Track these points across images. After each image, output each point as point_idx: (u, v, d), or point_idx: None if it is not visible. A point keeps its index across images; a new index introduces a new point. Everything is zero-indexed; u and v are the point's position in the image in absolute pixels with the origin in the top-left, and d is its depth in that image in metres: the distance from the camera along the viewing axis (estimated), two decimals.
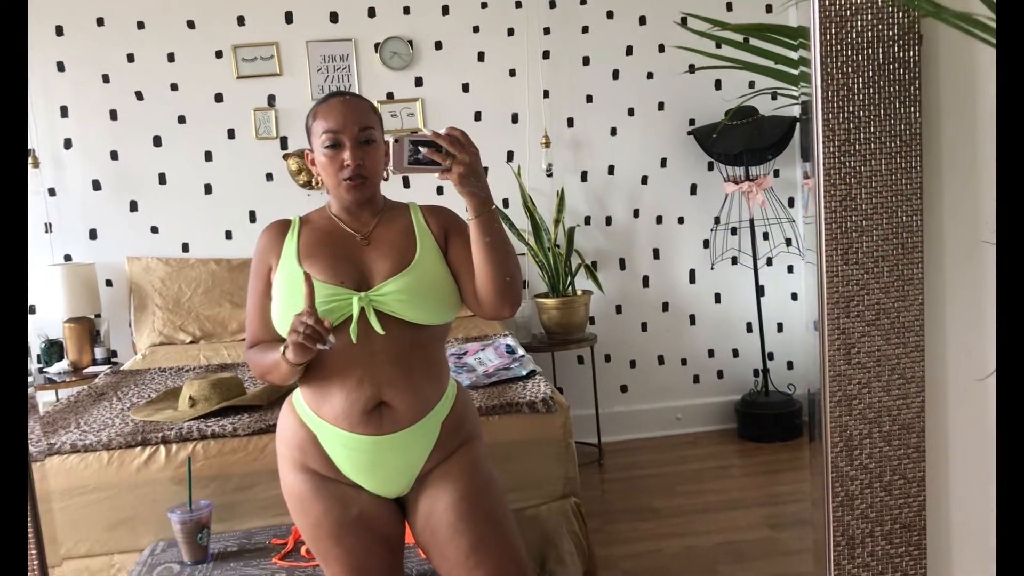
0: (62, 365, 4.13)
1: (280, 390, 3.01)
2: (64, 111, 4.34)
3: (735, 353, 4.78)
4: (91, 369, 4.14)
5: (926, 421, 1.39)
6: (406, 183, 4.40)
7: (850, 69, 1.28)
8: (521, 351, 3.38)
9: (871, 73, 1.29)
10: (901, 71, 1.30)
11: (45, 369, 4.18)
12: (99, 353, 4.23)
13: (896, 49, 1.29)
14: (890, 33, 1.28)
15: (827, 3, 1.24)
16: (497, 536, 1.81)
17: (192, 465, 2.53)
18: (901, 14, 1.27)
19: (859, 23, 1.27)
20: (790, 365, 4.76)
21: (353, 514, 1.80)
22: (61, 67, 4.32)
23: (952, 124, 1.36)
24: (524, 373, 3.06)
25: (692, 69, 4.42)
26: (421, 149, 1.61)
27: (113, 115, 4.38)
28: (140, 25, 4.35)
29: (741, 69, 1.50)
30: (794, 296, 4.76)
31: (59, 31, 4.30)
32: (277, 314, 1.79)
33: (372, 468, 1.80)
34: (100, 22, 4.32)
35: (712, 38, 1.52)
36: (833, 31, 1.27)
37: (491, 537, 1.80)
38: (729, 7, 4.61)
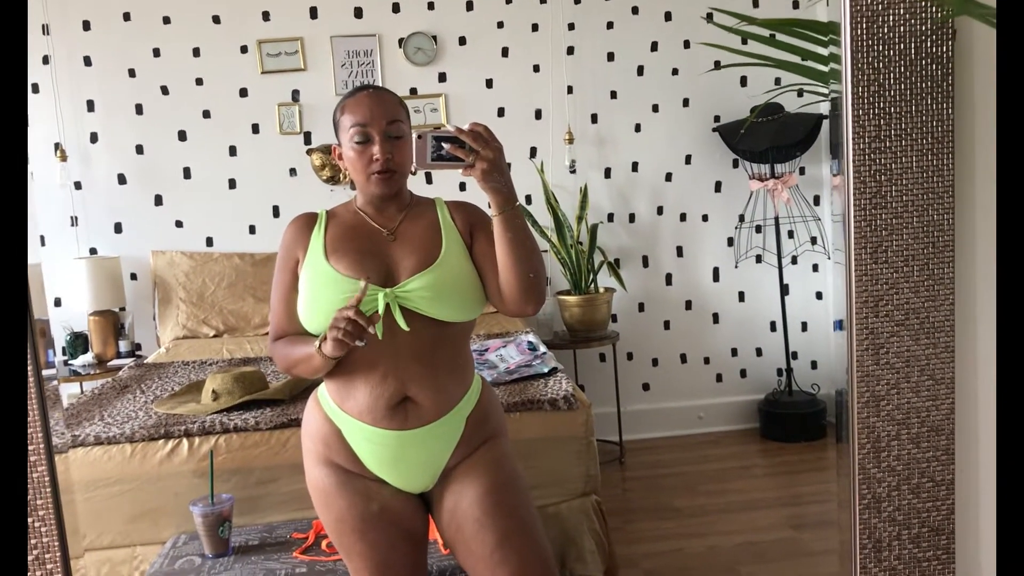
0: (87, 358, 4.17)
1: (303, 384, 3.03)
2: (91, 105, 4.37)
3: (758, 352, 4.74)
4: (115, 362, 4.17)
5: (956, 423, 1.36)
6: (428, 179, 4.40)
7: (881, 65, 1.25)
8: (543, 348, 3.36)
9: (903, 69, 1.26)
10: (934, 67, 1.27)
11: (70, 362, 4.21)
12: (123, 346, 4.26)
13: (929, 44, 1.26)
14: (923, 28, 1.25)
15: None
16: (523, 532, 1.79)
17: (214, 458, 2.53)
18: (934, 8, 1.24)
19: (891, 18, 1.24)
20: (814, 365, 4.72)
21: (376, 509, 1.80)
22: (88, 62, 4.35)
23: (985, 121, 1.33)
24: (546, 370, 3.05)
25: (718, 66, 4.39)
26: (444, 145, 1.60)
27: (139, 109, 4.41)
28: (166, 20, 4.37)
29: (769, 66, 1.47)
30: (819, 295, 4.71)
31: (86, 26, 4.33)
32: (303, 308, 1.79)
33: (396, 463, 1.80)
34: (127, 17, 4.35)
35: (739, 33, 1.50)
36: (864, 26, 1.24)
37: (517, 533, 1.78)
38: (755, 3, 4.57)
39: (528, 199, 4.46)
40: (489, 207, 1.72)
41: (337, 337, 1.63)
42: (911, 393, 1.34)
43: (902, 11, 1.25)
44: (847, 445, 1.35)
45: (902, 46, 1.25)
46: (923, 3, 1.24)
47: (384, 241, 1.81)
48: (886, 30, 1.25)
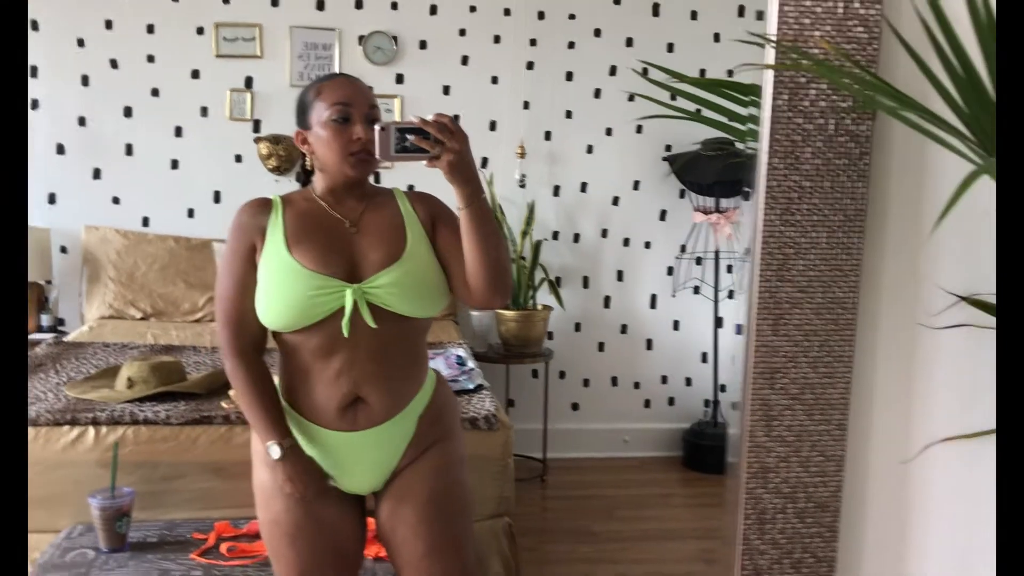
0: None
1: (222, 379, 2.97)
2: (34, 71, 4.24)
3: (688, 382, 4.78)
4: (35, 336, 4.06)
5: (842, 501, 1.37)
6: (376, 178, 4.35)
7: (800, 138, 1.25)
8: (471, 363, 3.34)
9: (821, 144, 1.26)
10: (852, 144, 1.27)
11: None
12: (45, 320, 4.15)
13: (849, 122, 1.26)
14: (844, 105, 1.26)
15: (783, 73, 1.21)
16: (452, 546, 1.80)
17: (121, 450, 2.47)
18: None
19: (813, 92, 1.24)
20: None
21: (313, 519, 1.77)
22: (35, 26, 4.22)
23: (899, 204, 1.34)
24: (471, 387, 3.03)
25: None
26: (408, 137, 1.55)
27: (85, 80, 4.30)
28: None
29: (690, 120, 1.48)
30: None
31: None
32: (261, 301, 1.71)
33: (343, 465, 1.77)
34: None
35: (669, 90, 1.50)
36: (786, 97, 1.24)
37: (446, 546, 1.79)
38: (716, 37, 4.61)
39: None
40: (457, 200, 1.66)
41: (285, 486, 1.70)
42: (800, 468, 1.35)
43: (825, 87, 1.25)
44: (735, 515, 1.35)
45: (822, 121, 1.26)
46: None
47: (346, 233, 1.74)
48: (807, 103, 1.25)
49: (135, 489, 2.42)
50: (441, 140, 1.55)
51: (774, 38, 1.19)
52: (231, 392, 2.83)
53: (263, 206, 1.77)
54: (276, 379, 1.82)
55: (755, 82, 1.27)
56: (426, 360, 1.87)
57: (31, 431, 2.53)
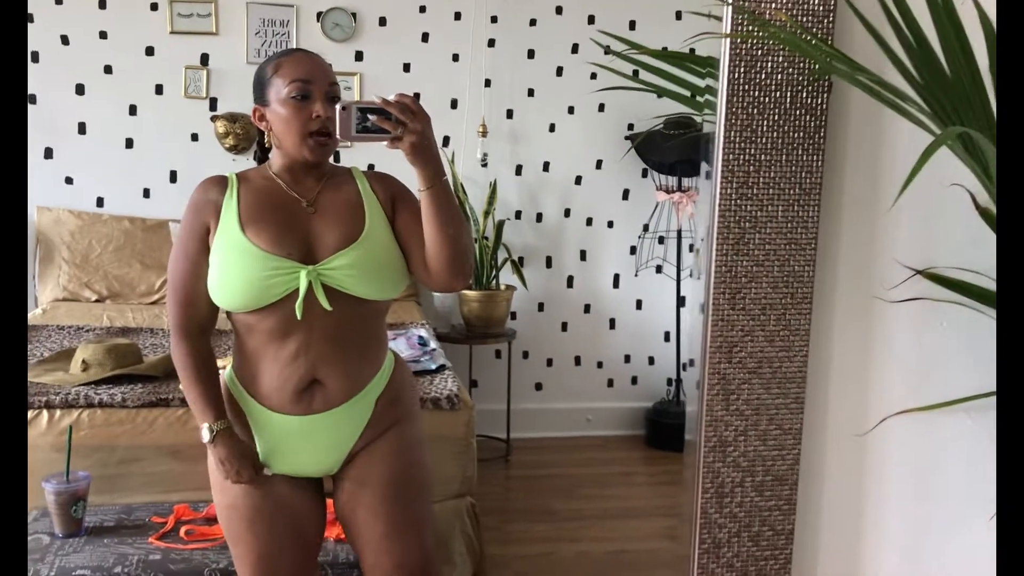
0: None
1: None
2: None
3: (651, 361, 4.80)
4: None
5: (800, 474, 1.38)
6: (336, 157, 4.29)
7: (755, 111, 1.25)
8: (433, 344, 3.33)
9: (777, 117, 1.26)
10: (808, 118, 1.27)
11: None
12: None
13: (805, 95, 1.26)
14: (800, 78, 1.26)
15: (739, 41, 1.20)
16: (411, 525, 1.80)
17: (76, 434, 2.43)
18: (813, 60, 1.25)
19: (769, 65, 1.23)
20: None
21: (271, 502, 1.76)
22: None
23: (854, 177, 1.34)
24: (433, 367, 3.02)
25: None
26: (370, 117, 1.51)
27: (35, 57, 4.19)
28: None
29: (651, 91, 1.47)
30: None
31: None
32: (215, 281, 1.68)
33: (300, 448, 1.75)
34: None
35: (633, 63, 1.48)
36: (742, 70, 1.23)
37: (406, 525, 1.78)
38: (678, 15, 4.60)
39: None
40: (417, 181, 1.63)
41: (227, 472, 1.70)
42: (758, 441, 1.35)
43: (781, 59, 1.24)
44: (692, 487, 1.35)
45: (778, 94, 1.25)
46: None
47: (303, 213, 1.71)
48: (763, 76, 1.24)
49: (91, 473, 2.38)
50: (403, 121, 1.51)
51: (731, 2, 1.18)
52: (220, 366, 2.78)
53: (218, 184, 1.73)
54: (229, 361, 1.80)
55: (713, 55, 1.26)
56: (385, 342, 1.84)
57: None
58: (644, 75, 1.78)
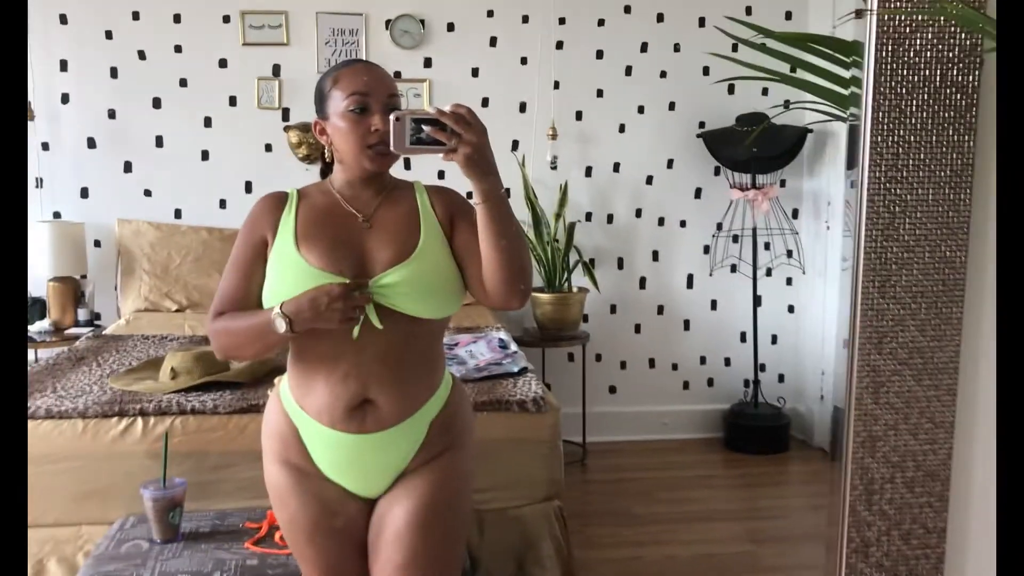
0: (43, 324, 4.05)
1: (265, 367, 2.95)
2: (63, 65, 4.24)
3: (727, 362, 4.72)
4: (72, 330, 4.06)
5: (952, 469, 1.32)
6: (407, 164, 4.32)
7: (904, 90, 1.19)
8: (514, 346, 3.31)
9: (926, 96, 1.20)
10: (958, 96, 1.21)
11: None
12: (82, 315, 4.15)
13: (955, 72, 1.20)
14: (950, 55, 1.20)
15: (886, 18, 1.15)
16: (432, 563, 1.71)
17: (169, 441, 2.45)
18: (963, 35, 1.19)
19: (918, 42, 1.18)
20: (781, 378, 4.71)
21: (329, 515, 1.72)
22: (64, 20, 4.21)
23: None
24: (515, 370, 3.00)
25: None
26: (424, 128, 1.48)
27: (114, 73, 4.28)
28: None
29: (785, 83, 1.41)
30: (791, 308, 4.70)
31: None
32: (268, 297, 1.67)
33: (351, 467, 1.71)
34: None
35: (754, 47, 1.42)
36: (890, 48, 1.18)
37: (426, 561, 1.69)
38: (748, 11, 4.53)
39: (507, 192, 4.39)
40: (471, 195, 1.61)
41: (329, 313, 1.53)
42: (909, 436, 1.29)
43: (930, 35, 1.19)
44: (839, 482, 1.29)
45: (927, 72, 1.19)
46: (951, 29, 1.19)
47: (358, 228, 1.68)
48: (912, 54, 1.19)
49: (186, 480, 2.41)
50: (458, 132, 1.47)
51: None
52: (276, 380, 2.80)
53: (278, 199, 1.73)
54: (286, 378, 1.77)
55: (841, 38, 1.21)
56: (442, 363, 1.79)
57: (79, 423, 2.53)
58: (721, 70, 1.69)
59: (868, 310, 1.23)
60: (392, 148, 1.52)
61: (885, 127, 1.20)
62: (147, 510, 2.31)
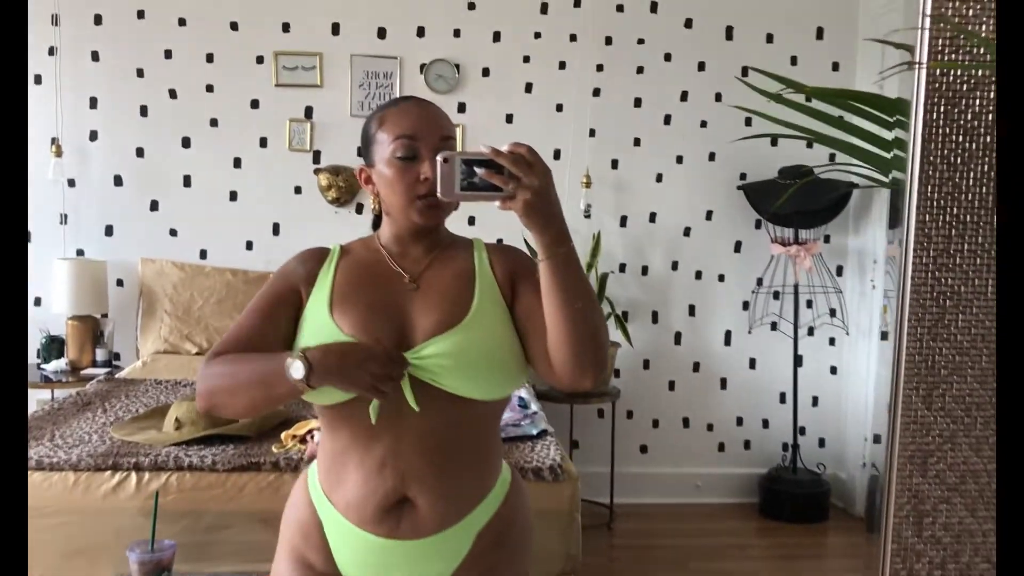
0: (60, 363, 3.97)
1: (273, 420, 2.83)
2: (93, 102, 4.21)
3: (765, 424, 4.50)
4: (90, 370, 3.98)
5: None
6: (471, 221, 4.16)
7: (957, 159, 1.00)
8: (535, 406, 3.15)
9: (985, 167, 1.01)
10: None
11: (43, 366, 4.02)
12: (100, 354, 4.07)
13: None
14: None
15: (938, 73, 0.96)
16: None
17: (164, 498, 2.33)
18: None
19: (976, 102, 0.99)
20: (822, 443, 4.48)
21: None
22: (95, 56, 4.20)
23: None
24: (535, 432, 2.84)
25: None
26: (477, 171, 1.25)
27: (143, 111, 4.24)
28: (181, 22, 4.22)
29: (821, 143, 1.24)
30: (833, 370, 4.48)
31: (97, 20, 4.18)
32: None
33: (377, 573, 1.45)
34: (140, 15, 4.20)
35: (774, 99, 1.26)
36: (942, 108, 0.99)
37: None
38: (794, 61, 4.38)
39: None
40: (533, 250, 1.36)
41: (363, 378, 1.28)
42: (964, 511, 1.06)
43: (991, 95, 1.00)
44: (879, 556, 1.08)
45: (988, 139, 1.00)
46: None
47: (403, 290, 1.45)
48: (968, 116, 0.99)
49: (177, 541, 2.28)
50: (517, 175, 1.24)
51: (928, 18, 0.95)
52: (283, 435, 2.68)
53: (317, 255, 1.51)
54: (315, 464, 1.54)
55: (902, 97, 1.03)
56: (498, 457, 1.52)
57: (71, 476, 2.41)
58: (761, 125, 1.54)
59: (911, 423, 1.03)
60: (440, 194, 1.29)
61: (934, 203, 1.00)
62: (132, 573, 2.18)
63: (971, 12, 0.99)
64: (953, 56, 0.97)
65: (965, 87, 0.99)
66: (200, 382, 1.41)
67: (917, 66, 0.96)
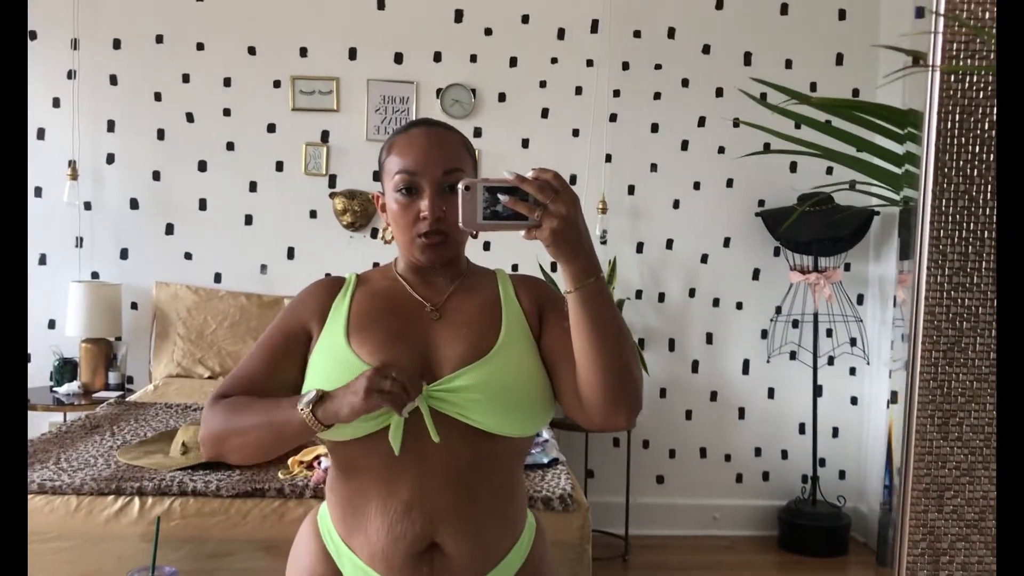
0: (72, 386, 3.96)
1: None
2: (111, 125, 4.22)
3: (784, 455, 4.41)
4: (102, 393, 3.96)
5: None
6: (486, 247, 4.15)
7: (975, 172, 0.94)
8: (547, 434, 3.09)
9: None
10: None
11: (55, 389, 4.00)
12: (113, 377, 4.05)
13: None
14: None
15: (951, 79, 0.90)
16: None
17: (167, 524, 2.29)
18: None
19: (994, 110, 0.93)
20: (842, 475, 4.38)
21: None
22: (114, 80, 4.21)
23: None
24: (545, 461, 2.77)
25: (767, 148, 4.16)
26: (500, 198, 1.17)
27: (160, 134, 4.25)
28: (199, 46, 4.24)
29: (818, 156, 1.19)
30: (854, 400, 4.39)
31: (116, 44, 4.20)
32: (307, 389, 1.33)
33: None
34: (159, 39, 4.22)
35: (793, 117, 1.21)
36: (956, 118, 0.93)
37: None
38: (813, 87, 4.34)
39: (553, 266, 4.21)
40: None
41: (376, 396, 1.20)
42: (984, 549, 0.98)
43: None
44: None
45: None
46: None
47: (426, 320, 1.39)
48: (987, 126, 0.94)
49: (178, 568, 2.23)
50: (542, 202, 1.16)
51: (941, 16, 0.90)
52: (290, 461, 2.63)
53: (331, 285, 1.45)
54: (324, 506, 1.45)
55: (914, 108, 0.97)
56: (524, 499, 1.44)
57: (73, 500, 2.37)
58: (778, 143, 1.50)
59: (926, 454, 0.97)
60: (461, 224, 1.21)
61: (949, 218, 0.94)
62: None
63: (987, 15, 0.94)
64: (969, 61, 0.91)
65: (982, 94, 0.92)
66: (204, 425, 1.35)
67: (930, 69, 0.91)
